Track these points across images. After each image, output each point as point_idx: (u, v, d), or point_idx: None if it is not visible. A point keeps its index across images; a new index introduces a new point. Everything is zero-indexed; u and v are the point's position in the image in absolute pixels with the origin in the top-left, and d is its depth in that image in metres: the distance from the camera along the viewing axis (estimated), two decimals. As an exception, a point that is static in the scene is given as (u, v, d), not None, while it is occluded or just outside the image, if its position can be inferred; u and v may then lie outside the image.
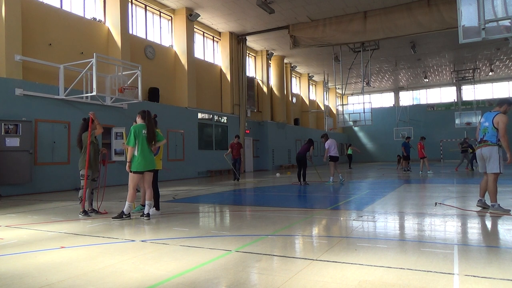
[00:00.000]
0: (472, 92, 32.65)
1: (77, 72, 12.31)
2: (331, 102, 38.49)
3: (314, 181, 13.75)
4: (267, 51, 25.31)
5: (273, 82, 26.87)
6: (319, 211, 7.03)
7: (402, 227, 5.54)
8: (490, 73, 31.96)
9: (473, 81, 31.23)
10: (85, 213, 6.78)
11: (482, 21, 5.53)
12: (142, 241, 4.74)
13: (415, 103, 39.73)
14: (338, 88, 31.94)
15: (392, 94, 40.55)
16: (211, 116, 20.41)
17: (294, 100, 31.01)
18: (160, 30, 18.14)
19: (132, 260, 3.84)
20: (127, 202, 6.33)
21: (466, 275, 3.15)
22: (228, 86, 21.85)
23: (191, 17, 18.31)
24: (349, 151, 26.04)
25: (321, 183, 13.17)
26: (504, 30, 5.76)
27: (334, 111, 33.68)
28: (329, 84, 33.11)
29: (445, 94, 38.20)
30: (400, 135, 34.89)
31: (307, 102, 33.49)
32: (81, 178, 6.87)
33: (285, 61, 27.66)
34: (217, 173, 19.83)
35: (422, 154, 17.23)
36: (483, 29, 5.56)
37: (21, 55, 11.53)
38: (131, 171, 6.30)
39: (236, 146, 14.25)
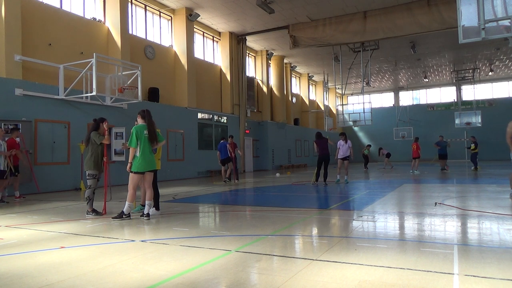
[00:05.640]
0: (472, 92, 32.63)
1: (77, 72, 12.30)
2: (331, 102, 38.47)
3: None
4: (267, 51, 25.31)
5: (273, 82, 26.87)
6: (319, 211, 7.03)
7: (402, 227, 5.54)
8: (490, 73, 31.96)
9: (473, 81, 31.21)
10: (95, 212, 6.81)
11: (482, 21, 5.52)
12: (142, 241, 4.74)
13: (415, 103, 39.71)
14: (338, 88, 31.92)
15: (392, 94, 40.54)
16: (211, 116, 20.41)
17: (294, 100, 31.00)
18: (160, 30, 18.14)
19: (132, 260, 3.84)
20: (127, 202, 6.33)
21: (466, 275, 3.15)
22: (228, 86, 21.84)
23: (191, 17, 18.31)
24: (366, 151, 25.54)
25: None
26: (504, 30, 5.76)
27: (334, 111, 33.66)
28: (329, 84, 33.09)
29: (445, 94, 38.18)
30: (400, 135, 34.88)
31: (307, 102, 33.49)
32: (87, 178, 6.86)
33: (285, 61, 27.66)
34: (217, 173, 19.81)
35: (417, 154, 17.68)
36: (483, 29, 5.55)
37: (21, 55, 11.53)
38: (131, 172, 6.30)
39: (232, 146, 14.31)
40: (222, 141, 14.12)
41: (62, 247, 4.45)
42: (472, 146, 18.77)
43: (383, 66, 30.06)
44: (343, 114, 22.33)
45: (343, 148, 12.66)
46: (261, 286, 3.07)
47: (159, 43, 17.96)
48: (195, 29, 19.45)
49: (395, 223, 5.80)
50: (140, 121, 6.51)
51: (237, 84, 22.12)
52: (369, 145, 26.33)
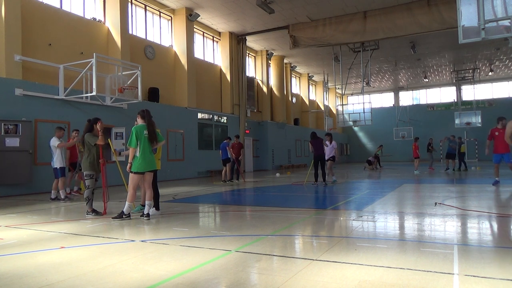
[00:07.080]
0: (472, 92, 32.64)
1: (77, 72, 12.30)
2: (331, 102, 38.47)
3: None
4: (267, 51, 25.30)
5: (273, 82, 26.86)
6: (319, 211, 7.03)
7: (402, 227, 5.54)
8: (490, 73, 31.96)
9: (473, 81, 31.21)
10: (95, 212, 6.81)
11: (482, 21, 5.52)
12: (142, 241, 4.74)
13: (415, 103, 39.72)
14: (338, 88, 31.93)
15: (392, 94, 40.54)
16: (211, 116, 20.41)
17: (294, 100, 30.99)
18: (160, 30, 18.13)
19: (132, 260, 3.84)
20: (127, 202, 6.33)
21: (466, 275, 3.15)
22: (228, 86, 21.84)
23: (191, 17, 18.30)
24: (379, 152, 25.45)
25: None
26: (504, 30, 5.76)
27: (334, 111, 33.65)
28: (329, 84, 33.10)
29: (445, 94, 38.18)
30: (400, 135, 34.89)
31: (307, 102, 33.48)
32: (85, 178, 6.88)
33: (285, 61, 27.65)
34: (217, 173, 19.81)
35: (416, 154, 17.96)
36: (483, 29, 5.55)
37: (21, 55, 11.52)
38: (131, 172, 6.30)
39: (236, 146, 14.40)
40: (225, 141, 14.38)
41: (62, 247, 4.45)
42: (462, 147, 18.84)
43: (383, 66, 30.06)
44: (343, 114, 22.34)
45: (327, 149, 12.81)
46: (261, 286, 3.07)
47: (159, 43, 17.96)
48: (195, 29, 19.44)
49: (395, 223, 5.80)
50: (140, 121, 6.50)
51: (237, 84, 22.12)
52: (381, 146, 26.25)
